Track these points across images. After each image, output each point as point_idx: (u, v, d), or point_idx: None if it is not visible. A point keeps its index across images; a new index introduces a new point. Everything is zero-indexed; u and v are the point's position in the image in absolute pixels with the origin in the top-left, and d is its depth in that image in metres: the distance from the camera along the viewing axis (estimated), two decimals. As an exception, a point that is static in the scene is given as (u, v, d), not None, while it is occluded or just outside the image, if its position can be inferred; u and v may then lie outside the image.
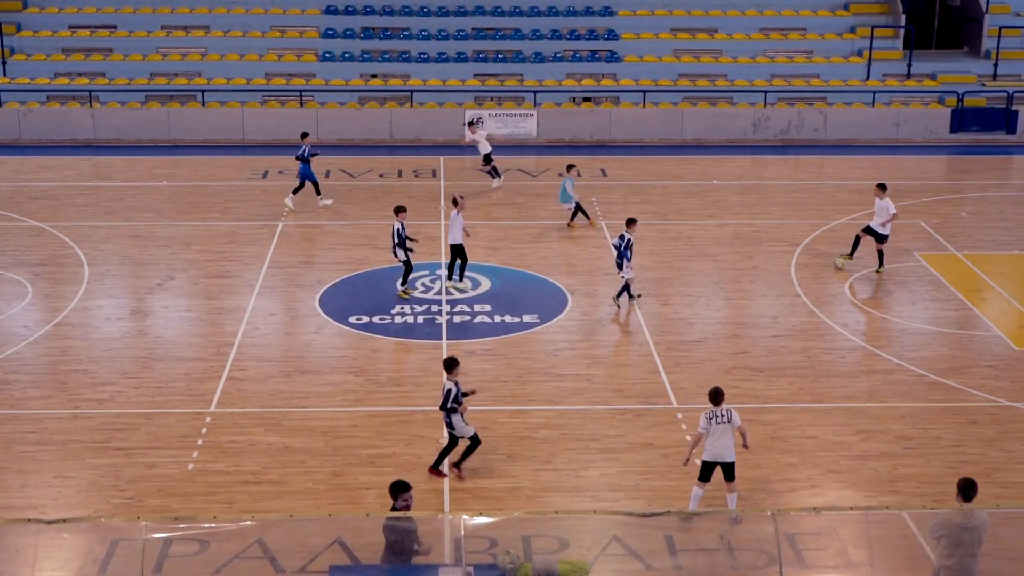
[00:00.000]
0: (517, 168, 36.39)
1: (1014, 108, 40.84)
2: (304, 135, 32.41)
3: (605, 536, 16.37)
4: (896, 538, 17.13)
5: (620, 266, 25.34)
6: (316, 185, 32.18)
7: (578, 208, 30.66)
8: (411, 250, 25.91)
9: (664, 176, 35.97)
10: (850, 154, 39.03)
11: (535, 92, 40.99)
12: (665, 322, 25.09)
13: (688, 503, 17.89)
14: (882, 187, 27.74)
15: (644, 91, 41.06)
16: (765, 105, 40.76)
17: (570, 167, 31.14)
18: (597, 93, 41.89)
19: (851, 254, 27.98)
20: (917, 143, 40.49)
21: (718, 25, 44.52)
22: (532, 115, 40.04)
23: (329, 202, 32.35)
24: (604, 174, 36.08)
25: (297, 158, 31.82)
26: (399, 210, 25.81)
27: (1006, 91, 41.54)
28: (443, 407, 18.77)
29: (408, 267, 26.00)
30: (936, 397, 21.89)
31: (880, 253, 27.66)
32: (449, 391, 18.63)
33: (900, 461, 19.65)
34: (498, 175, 34.53)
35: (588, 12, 44.77)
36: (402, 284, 26.22)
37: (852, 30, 44.59)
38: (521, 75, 42.39)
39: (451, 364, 18.84)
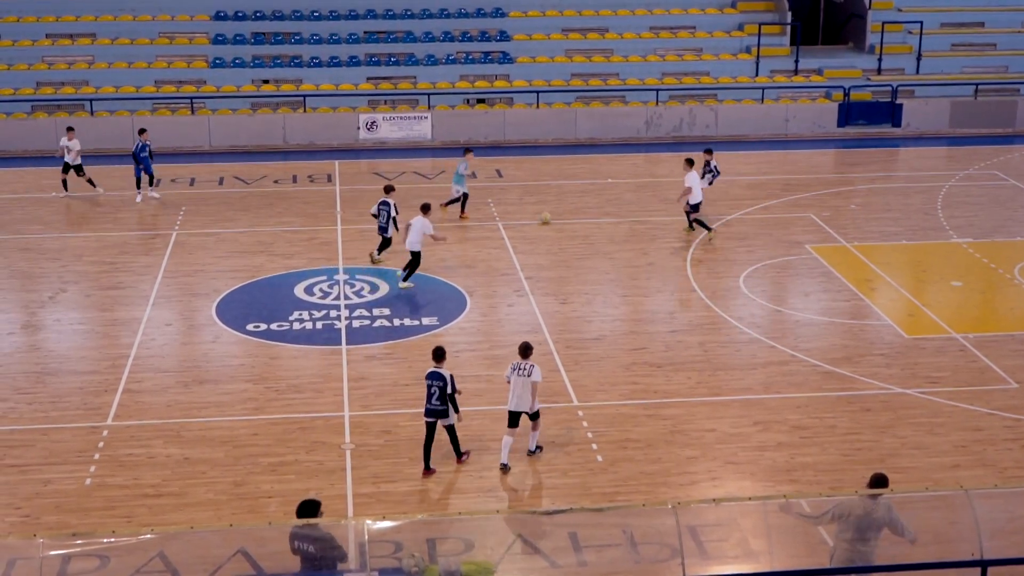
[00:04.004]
0: (413, 171, 36.36)
1: (898, 101, 41.75)
2: (141, 131, 33.30)
3: (509, 536, 16.43)
4: (795, 526, 17.42)
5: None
6: (138, 181, 33.00)
7: (463, 198, 31.58)
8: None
9: (559, 175, 36.18)
10: (741, 150, 39.58)
11: (429, 95, 40.98)
12: (564, 320, 25.24)
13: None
14: (690, 162, 30.19)
15: (537, 92, 41.27)
16: (657, 103, 41.18)
17: (467, 151, 32.29)
18: (490, 95, 41.99)
19: (691, 226, 30.25)
20: (806, 137, 41.20)
21: (608, 25, 44.87)
22: (426, 117, 40.01)
23: (140, 200, 32.99)
24: (500, 175, 36.18)
25: (138, 156, 32.78)
26: (390, 188, 28.32)
27: (890, 85, 42.46)
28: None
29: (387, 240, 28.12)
30: (830, 386, 22.30)
31: (698, 221, 30.02)
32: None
33: (797, 450, 19.99)
34: (93, 185, 34.20)
35: (479, 14, 44.84)
36: (379, 252, 28.24)
37: (740, 28, 45.23)
38: (414, 78, 42.35)
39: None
